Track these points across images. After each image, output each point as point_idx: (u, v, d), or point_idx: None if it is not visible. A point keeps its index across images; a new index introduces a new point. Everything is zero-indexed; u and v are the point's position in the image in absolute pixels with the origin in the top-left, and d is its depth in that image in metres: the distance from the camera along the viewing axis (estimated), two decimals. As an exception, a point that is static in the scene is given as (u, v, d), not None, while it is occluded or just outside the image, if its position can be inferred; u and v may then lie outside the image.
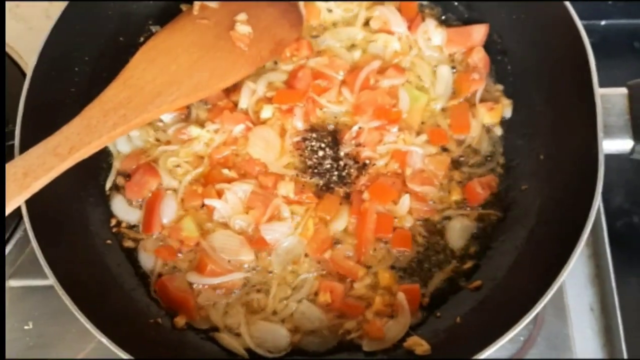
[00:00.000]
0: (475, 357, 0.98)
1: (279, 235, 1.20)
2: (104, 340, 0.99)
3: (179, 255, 1.21)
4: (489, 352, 0.99)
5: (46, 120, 1.13)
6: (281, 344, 1.15)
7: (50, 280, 1.02)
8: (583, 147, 1.08)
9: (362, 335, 1.14)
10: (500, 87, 1.34)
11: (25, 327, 1.29)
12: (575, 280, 1.41)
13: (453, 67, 1.36)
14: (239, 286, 1.18)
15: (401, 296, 1.15)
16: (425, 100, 1.32)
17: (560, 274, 1.00)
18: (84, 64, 1.28)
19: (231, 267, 1.18)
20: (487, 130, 1.32)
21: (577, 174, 1.10)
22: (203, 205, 1.23)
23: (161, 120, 1.31)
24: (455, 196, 1.26)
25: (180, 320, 1.16)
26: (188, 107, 1.32)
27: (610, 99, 1.09)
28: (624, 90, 1.10)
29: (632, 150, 1.09)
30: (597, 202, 1.02)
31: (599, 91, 1.08)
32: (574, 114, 1.13)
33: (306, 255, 1.20)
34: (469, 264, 1.21)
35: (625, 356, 1.30)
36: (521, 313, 1.00)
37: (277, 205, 1.21)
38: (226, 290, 1.18)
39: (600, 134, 1.05)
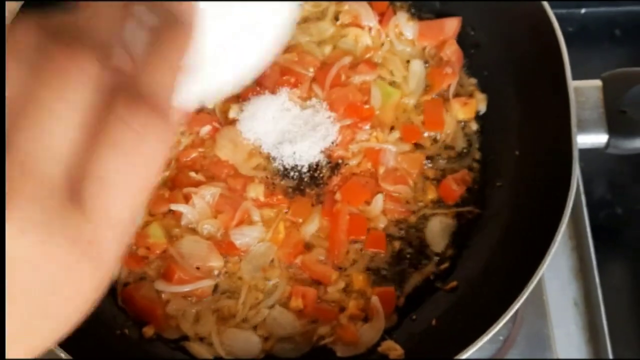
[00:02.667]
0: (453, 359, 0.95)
1: (249, 239, 1.16)
2: (63, 355, 0.95)
3: (147, 263, 1.17)
4: (466, 354, 0.96)
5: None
6: (253, 350, 1.12)
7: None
8: (557, 142, 1.05)
9: (336, 341, 1.11)
10: (474, 80, 1.30)
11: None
12: (558, 275, 1.39)
13: (425, 62, 1.33)
14: (209, 293, 1.15)
15: (375, 299, 1.12)
16: (398, 97, 1.28)
17: (536, 272, 0.97)
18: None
19: (200, 273, 1.14)
20: (463, 125, 1.29)
21: (551, 169, 1.07)
22: (170, 210, 1.20)
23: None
24: (431, 195, 1.23)
25: (149, 330, 1.12)
26: None
27: (584, 91, 1.06)
28: (598, 83, 1.07)
29: (607, 144, 1.06)
30: (572, 198, 1.00)
31: (572, 84, 1.05)
32: (548, 108, 1.10)
33: (277, 260, 1.17)
34: (445, 264, 1.18)
35: (609, 351, 1.29)
36: (499, 313, 0.97)
37: (246, 209, 1.17)
38: (196, 298, 1.15)
39: (574, 128, 1.03)
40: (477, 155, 1.26)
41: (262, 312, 1.13)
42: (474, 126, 1.28)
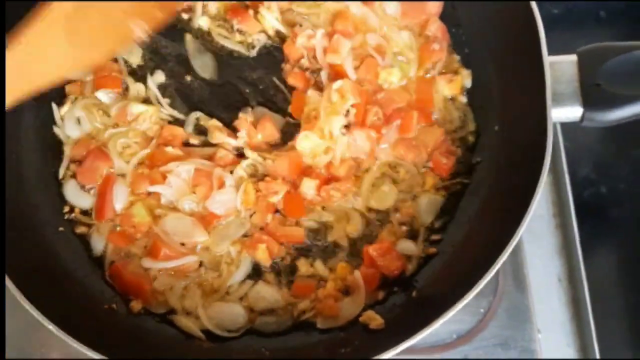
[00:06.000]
0: (427, 327, 0.97)
1: (227, 204, 1.17)
2: (52, 328, 0.97)
3: (133, 241, 1.19)
4: (442, 320, 0.98)
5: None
6: (238, 321, 1.14)
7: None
8: (534, 116, 1.07)
9: (316, 314, 1.14)
10: (457, 57, 1.31)
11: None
12: (542, 252, 1.41)
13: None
14: (195, 268, 1.17)
15: (357, 274, 1.14)
16: (411, 70, 1.29)
17: (509, 243, 0.99)
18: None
19: (185, 249, 1.16)
20: (452, 100, 1.29)
21: (528, 143, 1.09)
22: (151, 191, 1.22)
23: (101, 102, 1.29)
24: (431, 180, 1.23)
25: (136, 305, 1.15)
26: (125, 83, 1.30)
27: (560, 66, 1.08)
28: (573, 58, 1.09)
29: (582, 118, 1.08)
30: (546, 170, 1.02)
31: (548, 59, 1.07)
32: (525, 83, 1.12)
33: (245, 235, 1.18)
34: (435, 237, 1.20)
35: (592, 326, 1.31)
36: (475, 281, 0.99)
37: (219, 176, 1.19)
38: (182, 273, 1.17)
39: (549, 102, 1.04)
40: (472, 126, 1.27)
41: (247, 284, 1.16)
42: (463, 99, 1.29)
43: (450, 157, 1.24)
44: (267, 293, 1.15)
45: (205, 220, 1.18)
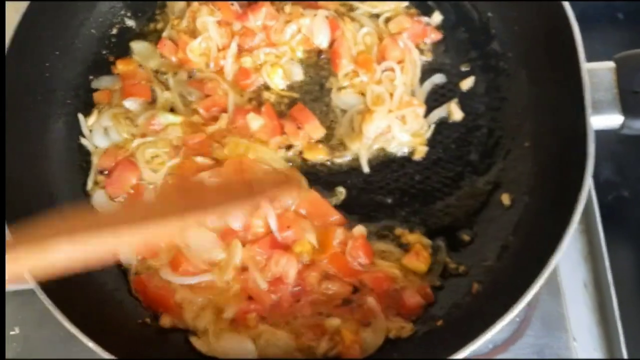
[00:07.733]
0: (469, 343, 0.96)
1: (243, 218, 1.14)
2: (91, 344, 0.96)
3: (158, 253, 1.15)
4: (482, 340, 0.97)
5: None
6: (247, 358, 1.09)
7: (31, 284, 0.99)
8: (572, 126, 1.05)
9: (341, 352, 1.07)
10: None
11: (12, 333, 1.26)
12: (568, 258, 1.39)
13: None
14: (210, 286, 1.12)
15: (371, 301, 1.09)
16: None
17: (551, 259, 0.97)
18: (55, 58, 1.24)
19: (206, 266, 1.13)
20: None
21: (566, 153, 1.07)
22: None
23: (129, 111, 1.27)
24: None
25: (165, 320, 1.12)
26: (153, 91, 1.28)
27: (597, 73, 1.06)
28: (611, 64, 1.07)
29: (622, 125, 1.06)
30: (589, 182, 1.00)
31: (586, 66, 1.05)
32: (561, 91, 1.10)
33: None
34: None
35: (620, 331, 1.30)
36: (513, 300, 0.97)
37: None
38: (200, 290, 1.13)
39: (588, 110, 1.03)
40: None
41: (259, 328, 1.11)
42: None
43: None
44: (278, 340, 1.08)
45: (223, 235, 1.13)
